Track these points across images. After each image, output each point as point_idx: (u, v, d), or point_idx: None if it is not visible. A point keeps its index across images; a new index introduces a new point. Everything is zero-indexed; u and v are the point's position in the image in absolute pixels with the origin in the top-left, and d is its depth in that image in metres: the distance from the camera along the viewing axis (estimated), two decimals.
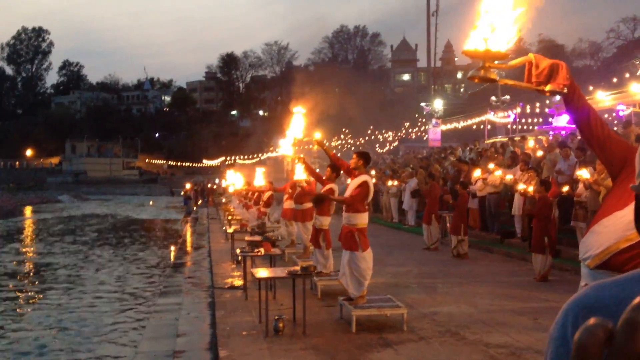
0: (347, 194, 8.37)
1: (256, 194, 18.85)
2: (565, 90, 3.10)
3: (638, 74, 25.52)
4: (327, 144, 9.38)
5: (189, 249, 18.12)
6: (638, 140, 11.79)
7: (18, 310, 12.85)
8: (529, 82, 3.11)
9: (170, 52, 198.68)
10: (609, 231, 3.15)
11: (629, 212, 2.97)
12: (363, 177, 8.25)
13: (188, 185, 42.74)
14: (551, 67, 3.06)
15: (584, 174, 10.77)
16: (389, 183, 23.13)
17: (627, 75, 25.49)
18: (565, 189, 11.78)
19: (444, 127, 40.27)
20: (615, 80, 26.16)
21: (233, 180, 25.11)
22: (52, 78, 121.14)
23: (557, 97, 3.53)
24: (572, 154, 13.53)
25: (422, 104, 47.24)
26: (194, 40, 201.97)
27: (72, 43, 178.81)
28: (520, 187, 11.58)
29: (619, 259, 3.08)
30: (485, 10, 2.92)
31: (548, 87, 3.06)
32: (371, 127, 52.91)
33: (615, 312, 1.05)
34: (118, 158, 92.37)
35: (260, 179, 17.52)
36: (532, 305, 9.04)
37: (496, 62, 2.98)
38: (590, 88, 24.62)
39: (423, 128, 45.90)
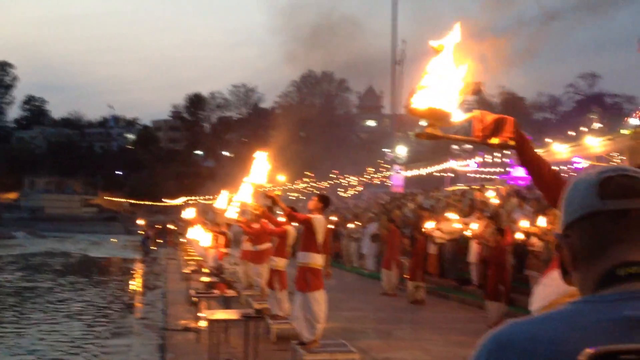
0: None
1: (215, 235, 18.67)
2: (512, 142, 3.14)
3: (594, 128, 26.26)
4: (281, 195, 9.39)
5: (144, 289, 17.78)
6: None
7: None
8: (475, 136, 3.18)
9: (136, 90, 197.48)
10: (555, 285, 3.20)
11: None
12: (314, 215, 8.37)
13: (141, 222, 42.10)
14: (496, 121, 3.12)
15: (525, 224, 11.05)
16: (349, 226, 23.18)
17: (584, 129, 26.18)
18: (519, 235, 11.98)
19: (406, 174, 40.69)
20: (572, 133, 26.83)
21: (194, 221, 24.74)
22: (14, 112, 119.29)
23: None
24: (526, 204, 13.80)
25: (386, 150, 47.78)
26: (161, 79, 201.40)
27: (37, 78, 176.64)
28: (472, 226, 11.81)
29: None
30: (426, 72, 3.04)
31: (494, 141, 3.13)
32: (335, 171, 53.20)
33: (527, 348, 1.08)
34: (78, 195, 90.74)
35: (224, 201, 16.85)
36: None
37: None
38: (548, 140, 25.23)
39: (386, 174, 46.34)
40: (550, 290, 3.22)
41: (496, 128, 3.14)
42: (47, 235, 61.22)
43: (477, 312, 12.86)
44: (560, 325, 1.10)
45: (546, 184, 3.23)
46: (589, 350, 0.92)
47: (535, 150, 3.37)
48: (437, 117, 3.03)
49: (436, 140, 3.24)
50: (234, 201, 13.34)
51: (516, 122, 3.18)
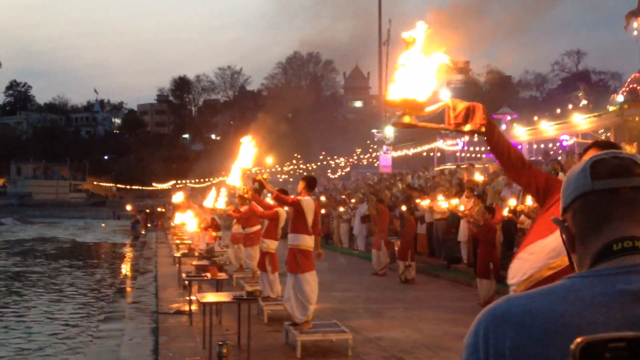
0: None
1: (204, 219, 18.70)
2: (483, 129, 3.32)
3: (580, 105, 26.35)
4: (269, 178, 9.49)
5: (135, 273, 17.78)
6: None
7: None
8: (449, 124, 3.34)
9: (122, 74, 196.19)
10: (534, 259, 3.28)
11: (552, 240, 3.14)
12: (302, 197, 8.43)
13: (129, 207, 42.02)
14: (467, 109, 3.30)
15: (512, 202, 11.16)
16: (340, 209, 23.25)
17: (570, 106, 26.26)
18: (506, 212, 12.06)
19: (394, 154, 40.68)
20: (559, 110, 26.90)
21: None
22: None
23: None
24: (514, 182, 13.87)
25: (373, 131, 47.77)
26: (146, 62, 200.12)
27: (21, 63, 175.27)
28: (461, 205, 11.88)
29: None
30: (402, 64, 3.14)
31: (467, 127, 3.29)
32: (323, 153, 53.19)
33: (523, 322, 1.11)
34: (65, 180, 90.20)
35: (211, 199, 17.17)
36: None
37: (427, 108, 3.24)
38: (535, 118, 25.31)
39: (374, 154, 46.35)
40: (528, 264, 3.30)
41: (467, 115, 3.33)
42: (36, 221, 60.91)
43: (467, 290, 12.98)
44: (556, 299, 1.13)
45: (513, 166, 3.43)
46: (579, 340, 0.94)
47: (502, 134, 3.56)
48: (412, 107, 3.17)
49: (412, 128, 3.39)
50: (222, 189, 13.52)
51: (485, 109, 3.35)
